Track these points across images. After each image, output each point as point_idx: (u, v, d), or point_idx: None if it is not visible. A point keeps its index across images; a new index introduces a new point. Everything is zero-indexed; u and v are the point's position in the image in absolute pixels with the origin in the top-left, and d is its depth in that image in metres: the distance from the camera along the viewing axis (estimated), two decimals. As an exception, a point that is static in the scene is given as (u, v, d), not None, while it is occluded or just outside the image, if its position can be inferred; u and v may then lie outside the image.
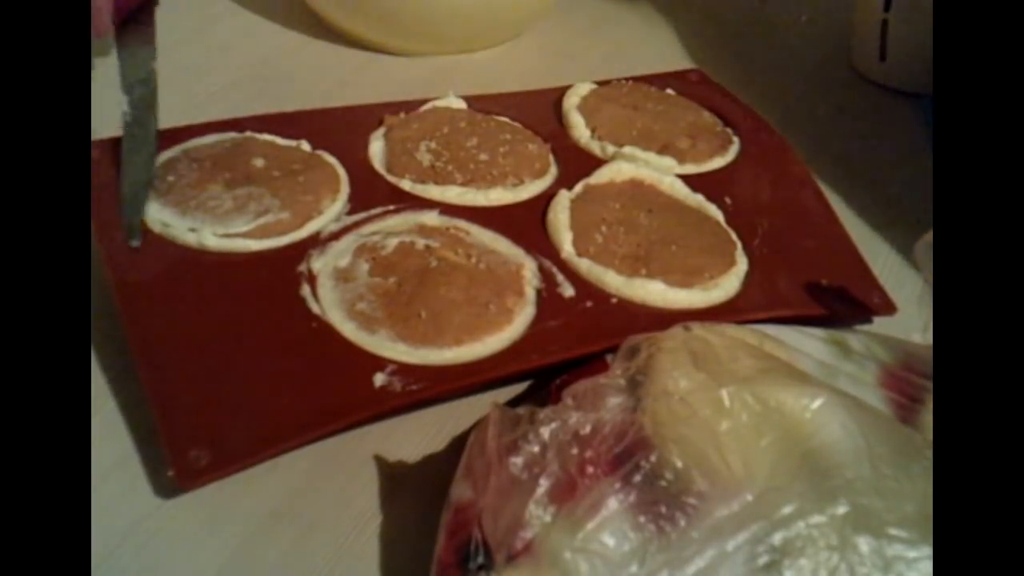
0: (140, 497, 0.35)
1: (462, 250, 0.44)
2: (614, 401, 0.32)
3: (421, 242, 0.44)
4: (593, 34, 0.74)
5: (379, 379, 0.38)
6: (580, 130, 0.56)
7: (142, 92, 0.49)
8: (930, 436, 0.33)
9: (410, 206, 0.48)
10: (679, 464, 0.31)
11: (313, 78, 0.63)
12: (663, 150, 0.54)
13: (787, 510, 0.30)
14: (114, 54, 0.50)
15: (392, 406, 0.38)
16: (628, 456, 0.31)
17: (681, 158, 0.54)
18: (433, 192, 0.49)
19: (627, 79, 0.61)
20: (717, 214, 0.51)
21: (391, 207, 0.47)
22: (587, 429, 0.31)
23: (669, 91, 0.61)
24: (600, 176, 0.51)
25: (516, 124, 0.55)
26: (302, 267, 0.43)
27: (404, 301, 0.41)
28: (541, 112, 0.57)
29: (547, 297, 0.44)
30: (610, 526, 0.30)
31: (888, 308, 0.47)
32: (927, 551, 0.30)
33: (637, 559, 0.29)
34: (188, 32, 0.66)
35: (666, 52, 0.71)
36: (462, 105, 0.56)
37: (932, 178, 0.31)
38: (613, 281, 0.45)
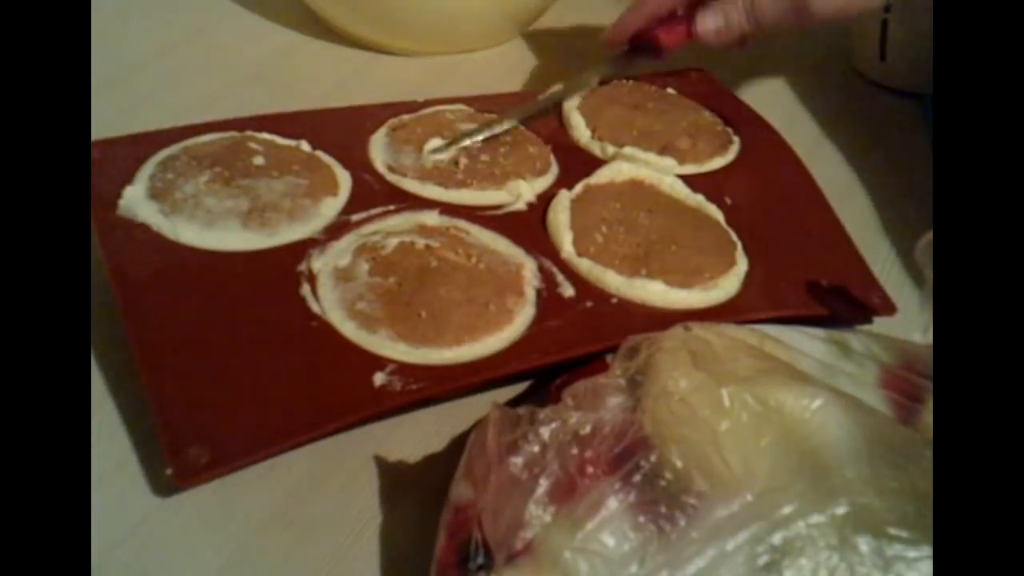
0: (140, 497, 0.35)
1: (462, 250, 0.44)
2: (614, 401, 0.32)
3: (421, 242, 0.44)
4: (593, 34, 0.74)
5: (379, 379, 0.38)
6: (580, 130, 0.56)
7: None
8: (930, 436, 0.33)
9: (410, 206, 0.48)
10: (679, 464, 0.31)
11: (313, 78, 0.63)
12: (663, 150, 0.54)
13: (787, 510, 0.30)
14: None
15: (392, 406, 0.38)
16: (628, 456, 0.31)
17: (681, 158, 0.54)
18: (433, 192, 0.49)
19: (628, 79, 0.61)
20: (717, 214, 0.51)
21: (391, 207, 0.47)
22: (587, 429, 0.31)
23: (670, 90, 0.61)
24: (600, 176, 0.51)
25: (517, 124, 0.55)
26: (302, 266, 0.43)
27: (404, 301, 0.41)
28: (541, 112, 0.57)
29: (547, 297, 0.44)
30: (610, 526, 0.30)
31: (888, 308, 0.47)
32: (927, 551, 0.30)
33: (637, 559, 0.29)
34: (188, 32, 0.66)
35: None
36: (462, 106, 0.56)
37: (932, 178, 0.31)
38: (613, 281, 0.45)
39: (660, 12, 0.56)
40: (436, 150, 0.51)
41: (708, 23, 0.54)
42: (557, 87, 0.58)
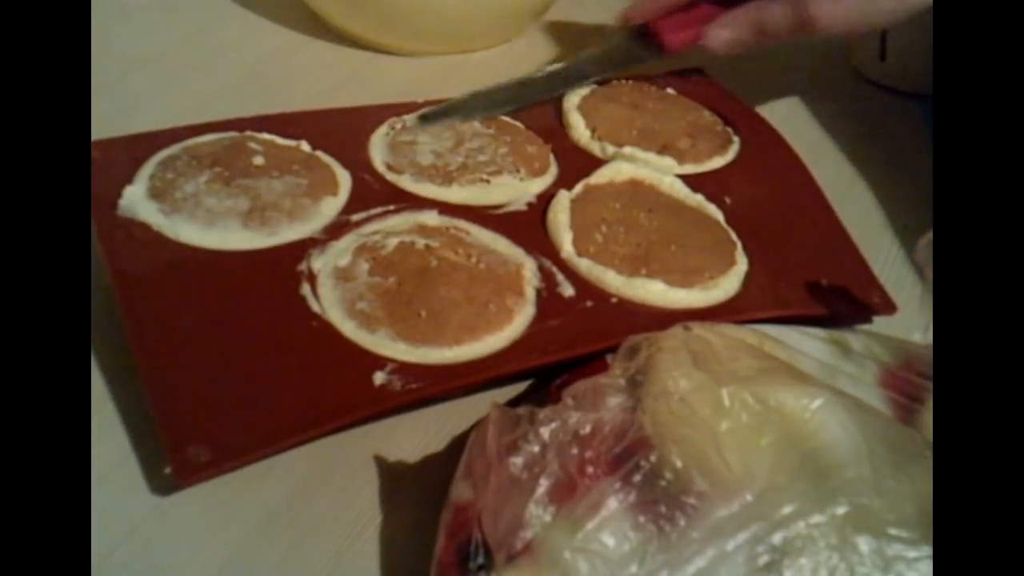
0: (140, 497, 0.35)
1: (462, 250, 0.44)
2: (614, 401, 0.32)
3: (421, 242, 0.44)
4: (593, 34, 0.74)
5: (379, 378, 0.38)
6: (580, 130, 0.56)
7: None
8: (930, 436, 0.33)
9: (410, 206, 0.48)
10: (679, 464, 0.31)
11: (313, 78, 0.63)
12: (663, 150, 0.54)
13: (787, 510, 0.30)
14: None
15: (392, 405, 0.38)
16: (628, 456, 0.31)
17: (681, 158, 0.54)
18: (433, 192, 0.49)
19: (627, 78, 0.61)
20: (717, 214, 0.51)
21: (391, 207, 0.47)
22: (587, 429, 0.31)
23: (669, 90, 0.61)
24: (600, 176, 0.51)
25: (516, 124, 0.55)
26: (302, 266, 0.43)
27: (404, 300, 0.41)
28: (541, 112, 0.57)
29: (547, 297, 0.44)
30: (610, 526, 0.30)
31: (888, 308, 0.47)
32: (927, 551, 0.30)
33: (637, 559, 0.29)
34: (188, 32, 0.66)
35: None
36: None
37: (932, 178, 0.31)
38: (613, 281, 0.45)
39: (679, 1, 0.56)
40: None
41: (720, 36, 0.54)
42: (555, 66, 0.58)
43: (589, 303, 0.44)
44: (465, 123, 0.54)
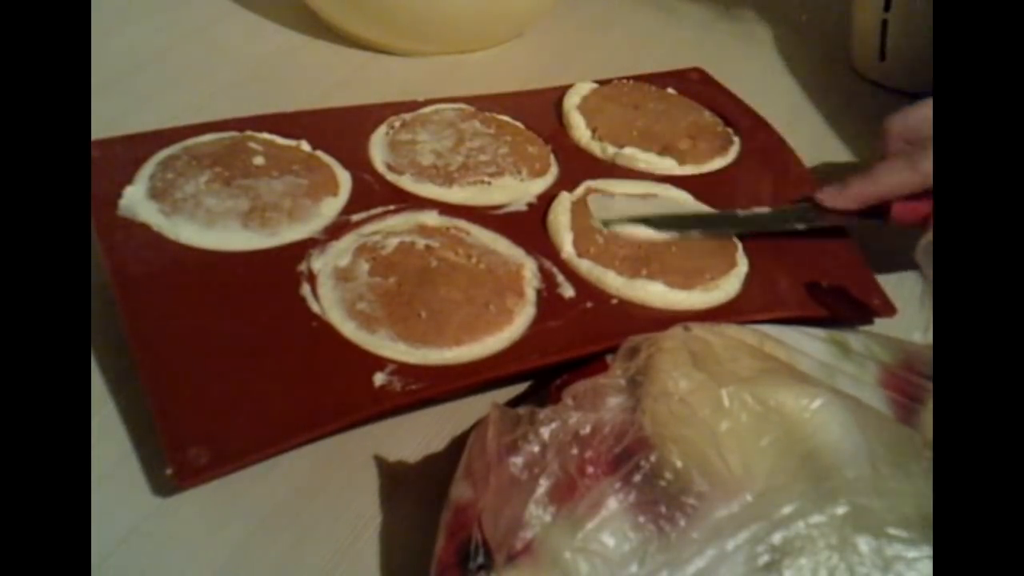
0: (140, 497, 0.35)
1: (462, 250, 0.44)
2: (614, 401, 0.32)
3: (421, 242, 0.44)
4: (593, 34, 0.74)
5: (379, 379, 0.38)
6: (580, 130, 0.56)
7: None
8: (930, 436, 0.33)
9: (410, 206, 0.48)
10: (679, 464, 0.31)
11: (313, 78, 0.63)
12: (664, 151, 0.54)
13: (787, 510, 0.30)
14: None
15: (392, 406, 0.38)
16: (628, 456, 0.31)
17: (681, 159, 0.54)
18: (433, 192, 0.49)
19: (628, 78, 0.61)
20: (717, 215, 0.50)
21: (391, 207, 0.47)
22: (587, 429, 0.31)
23: (670, 90, 0.61)
24: (608, 184, 0.51)
25: (517, 124, 0.55)
26: (302, 266, 0.43)
27: (404, 301, 0.41)
28: (541, 112, 0.57)
29: (547, 297, 0.44)
30: (610, 526, 0.30)
31: (888, 309, 0.47)
32: (927, 551, 0.30)
33: (637, 559, 0.29)
34: (188, 32, 0.66)
35: (667, 51, 0.71)
36: (463, 105, 0.56)
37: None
38: (613, 282, 0.44)
39: (899, 193, 0.49)
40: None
41: None
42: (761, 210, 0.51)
43: (589, 304, 0.44)
44: (465, 122, 0.54)
